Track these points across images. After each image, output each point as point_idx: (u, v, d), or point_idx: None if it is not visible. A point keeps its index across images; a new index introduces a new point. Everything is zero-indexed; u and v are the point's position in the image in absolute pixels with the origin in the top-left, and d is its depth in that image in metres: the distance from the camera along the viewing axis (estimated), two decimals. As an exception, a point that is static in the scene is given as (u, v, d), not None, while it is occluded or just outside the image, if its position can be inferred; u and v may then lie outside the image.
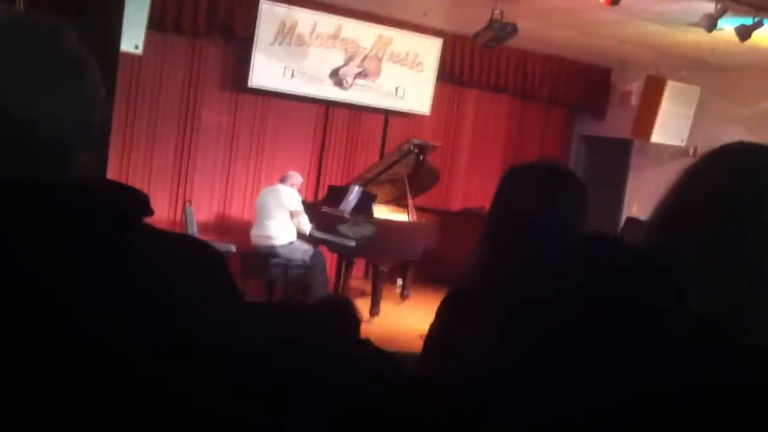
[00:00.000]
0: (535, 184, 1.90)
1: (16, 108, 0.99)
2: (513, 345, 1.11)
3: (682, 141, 9.51)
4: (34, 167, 1.01)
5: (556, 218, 1.82)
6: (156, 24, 7.51)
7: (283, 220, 7.51)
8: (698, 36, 7.13)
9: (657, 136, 9.40)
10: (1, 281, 0.91)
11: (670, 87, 9.27)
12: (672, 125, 9.40)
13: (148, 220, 1.05)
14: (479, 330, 1.17)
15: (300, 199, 7.69)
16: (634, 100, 10.17)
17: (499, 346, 1.12)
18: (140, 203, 1.04)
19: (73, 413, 0.91)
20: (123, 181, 1.12)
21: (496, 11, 7.38)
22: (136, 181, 7.93)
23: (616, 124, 10.49)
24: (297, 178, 7.80)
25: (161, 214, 8.27)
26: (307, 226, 7.67)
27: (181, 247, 1.08)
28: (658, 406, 1.02)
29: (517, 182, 1.93)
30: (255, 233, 7.64)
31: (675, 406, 1.02)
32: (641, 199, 9.69)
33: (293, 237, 7.57)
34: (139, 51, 7.05)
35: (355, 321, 3.83)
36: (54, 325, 0.91)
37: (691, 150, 9.26)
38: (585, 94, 10.79)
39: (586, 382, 1.05)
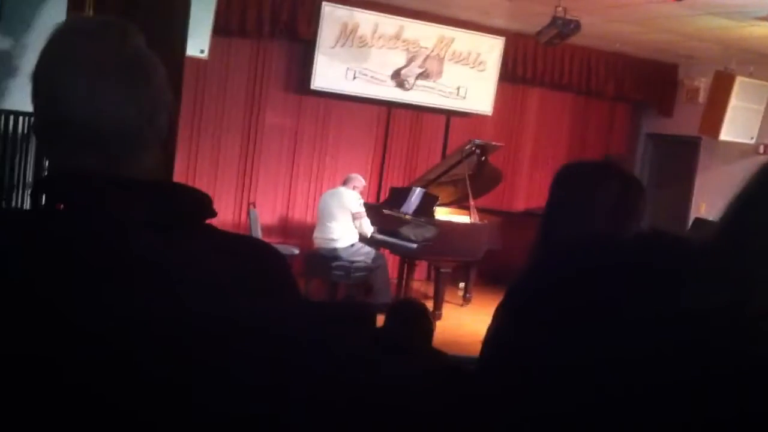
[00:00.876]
0: (584, 183, 1.87)
1: (82, 107, 1.01)
2: (563, 349, 1.09)
3: (752, 138, 9.26)
4: (99, 164, 1.02)
5: (605, 217, 1.79)
6: (221, 28, 7.62)
7: (345, 222, 7.56)
8: (767, 30, 6.95)
9: (726, 134, 9.16)
10: (51, 269, 0.92)
11: (740, 83, 9.02)
12: (741, 122, 9.16)
13: (213, 221, 1.07)
14: (530, 333, 1.15)
15: (362, 201, 7.74)
16: (702, 97, 9.95)
17: (551, 349, 1.10)
18: (203, 204, 1.05)
19: (77, 412, 0.90)
20: (189, 183, 1.14)
21: (559, 8, 7.30)
22: (203, 184, 8.05)
23: (683, 122, 10.26)
24: (359, 180, 7.84)
25: (227, 217, 8.39)
26: (368, 229, 7.71)
27: (240, 245, 1.08)
28: (686, 406, 0.99)
29: (567, 181, 1.90)
30: (317, 236, 7.70)
31: (700, 408, 0.98)
32: (709, 198, 9.46)
33: (355, 239, 7.61)
34: (205, 55, 7.17)
35: (429, 327, 3.79)
36: (86, 324, 0.91)
37: (762, 147, 9.01)
38: (651, 90, 10.59)
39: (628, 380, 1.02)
